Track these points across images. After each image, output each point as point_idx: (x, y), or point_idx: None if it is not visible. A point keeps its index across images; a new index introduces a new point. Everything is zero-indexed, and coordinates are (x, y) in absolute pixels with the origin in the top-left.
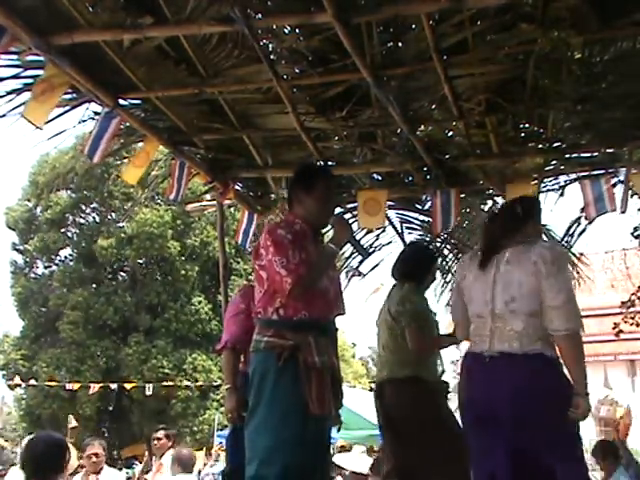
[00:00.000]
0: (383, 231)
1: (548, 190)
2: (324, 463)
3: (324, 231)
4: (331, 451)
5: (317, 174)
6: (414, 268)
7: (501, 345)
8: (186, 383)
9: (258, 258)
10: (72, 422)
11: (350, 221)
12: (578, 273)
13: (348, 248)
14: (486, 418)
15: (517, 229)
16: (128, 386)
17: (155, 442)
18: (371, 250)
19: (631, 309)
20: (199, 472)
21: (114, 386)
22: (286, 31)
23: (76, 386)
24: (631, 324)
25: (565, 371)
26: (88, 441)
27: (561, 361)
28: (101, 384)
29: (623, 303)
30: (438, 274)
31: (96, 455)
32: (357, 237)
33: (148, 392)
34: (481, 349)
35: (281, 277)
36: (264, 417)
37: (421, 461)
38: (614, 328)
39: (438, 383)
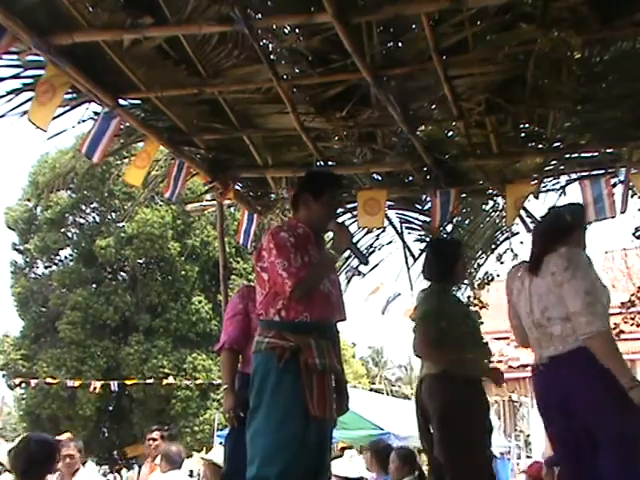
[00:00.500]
0: (383, 231)
1: (548, 190)
2: (324, 465)
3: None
4: (331, 453)
5: (327, 181)
6: (436, 268)
7: (547, 351)
8: (186, 382)
9: (260, 260)
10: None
11: (350, 221)
12: None
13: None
14: (550, 421)
15: (562, 239)
16: (129, 382)
17: (150, 442)
18: (371, 251)
19: (631, 309)
20: (199, 472)
21: (114, 386)
22: (286, 31)
23: (77, 383)
24: (631, 324)
25: None
26: (64, 443)
27: None
28: (102, 381)
29: (623, 304)
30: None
31: (71, 457)
32: (357, 243)
33: (150, 380)
34: (535, 360)
35: (282, 279)
36: (265, 418)
37: (445, 460)
38: (614, 329)
39: (475, 381)
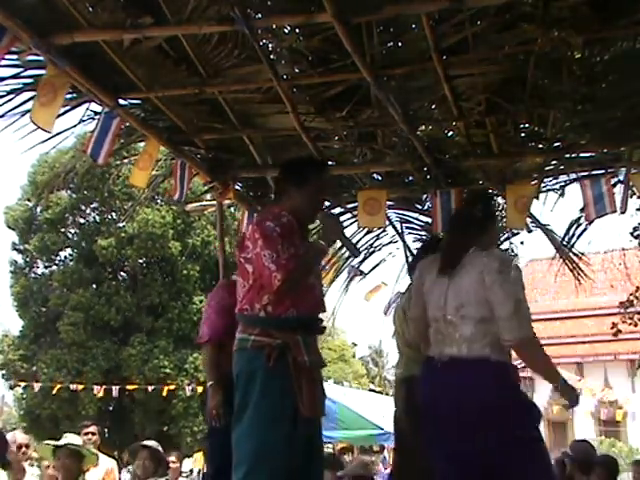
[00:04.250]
0: (383, 231)
1: (548, 190)
2: (316, 466)
3: (311, 227)
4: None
5: (311, 169)
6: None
7: (450, 350)
8: (187, 382)
9: (244, 250)
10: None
11: (350, 221)
12: (578, 273)
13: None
14: (435, 421)
15: (478, 233)
16: (130, 387)
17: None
18: (362, 248)
19: (630, 309)
20: (198, 472)
21: (115, 392)
22: (286, 31)
23: (80, 387)
24: (629, 324)
25: (514, 374)
26: (85, 422)
27: (510, 365)
28: (104, 386)
29: (621, 303)
30: None
31: (92, 433)
32: (348, 235)
33: (150, 387)
34: (434, 353)
35: (270, 272)
36: (254, 420)
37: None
38: (612, 328)
39: None
